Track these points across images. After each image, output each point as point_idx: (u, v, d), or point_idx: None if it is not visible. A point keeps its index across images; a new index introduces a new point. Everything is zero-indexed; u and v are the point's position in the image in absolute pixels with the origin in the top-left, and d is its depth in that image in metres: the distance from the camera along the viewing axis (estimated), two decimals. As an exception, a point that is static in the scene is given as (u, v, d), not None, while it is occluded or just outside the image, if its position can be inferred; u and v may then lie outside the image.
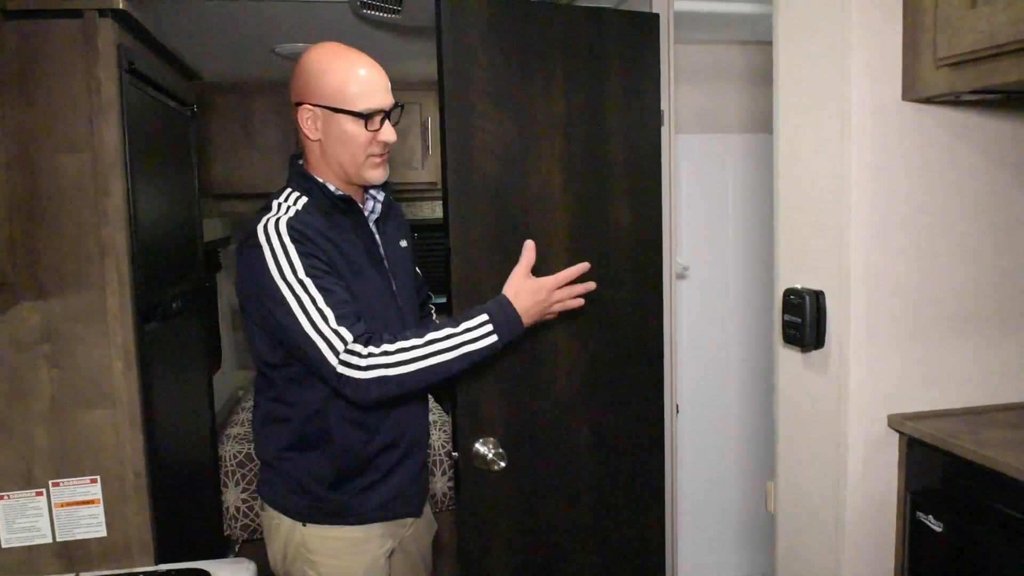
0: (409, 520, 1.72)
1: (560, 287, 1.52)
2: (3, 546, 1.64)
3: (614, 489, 2.02)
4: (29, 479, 1.63)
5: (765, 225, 2.76)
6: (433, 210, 4.30)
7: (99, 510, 1.66)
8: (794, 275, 1.54)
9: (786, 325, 1.52)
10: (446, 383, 1.63)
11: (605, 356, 1.97)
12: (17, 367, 1.60)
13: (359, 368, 1.39)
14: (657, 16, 2.04)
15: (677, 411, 2.27)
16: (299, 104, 1.53)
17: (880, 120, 1.36)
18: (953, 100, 1.35)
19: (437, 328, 1.44)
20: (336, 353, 1.40)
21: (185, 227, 2.19)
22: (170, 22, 2.48)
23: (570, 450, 1.94)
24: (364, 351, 1.40)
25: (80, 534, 1.66)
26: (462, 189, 1.74)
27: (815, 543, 1.54)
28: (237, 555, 2.80)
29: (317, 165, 1.57)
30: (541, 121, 1.84)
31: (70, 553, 1.67)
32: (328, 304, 1.41)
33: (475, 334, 1.44)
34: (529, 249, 1.53)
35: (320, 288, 1.42)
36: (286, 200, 1.54)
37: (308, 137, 1.55)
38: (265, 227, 1.46)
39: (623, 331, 2.00)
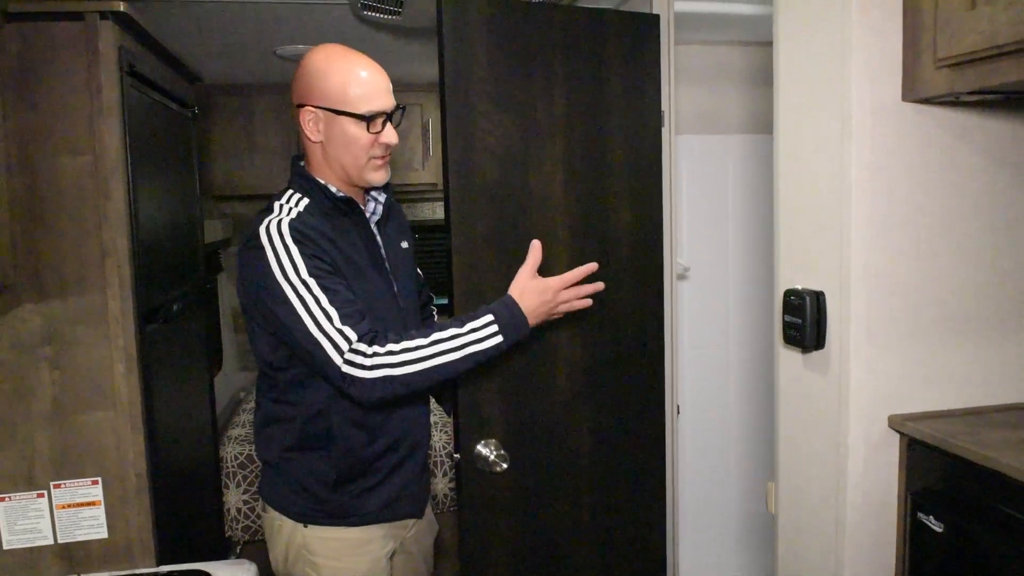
0: (411, 521, 1.72)
1: (567, 287, 1.51)
2: (4, 548, 1.64)
3: (615, 489, 2.02)
4: (30, 481, 1.63)
5: (765, 226, 2.76)
6: (434, 211, 4.30)
7: (100, 511, 1.66)
8: (794, 276, 1.54)
9: (786, 326, 1.52)
10: (449, 384, 1.63)
11: (606, 356, 1.97)
12: (18, 369, 1.61)
13: (364, 367, 1.39)
14: (657, 17, 2.04)
15: (678, 411, 2.27)
16: (301, 106, 1.53)
17: (880, 120, 1.36)
18: (953, 101, 1.36)
19: (442, 328, 1.44)
20: (341, 353, 1.40)
21: (186, 229, 2.19)
22: (171, 24, 2.49)
23: (571, 451, 1.94)
24: (369, 350, 1.39)
25: (81, 536, 1.67)
26: (463, 190, 1.74)
27: (816, 544, 1.54)
28: (238, 556, 2.80)
29: (319, 167, 1.57)
30: (542, 122, 1.84)
31: (71, 554, 1.67)
32: (332, 304, 1.41)
33: (481, 334, 1.44)
34: (535, 249, 1.52)
35: (324, 288, 1.42)
36: (287, 201, 1.54)
37: (310, 139, 1.55)
38: (267, 228, 1.46)
39: (624, 331, 2.00)
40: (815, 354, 1.49)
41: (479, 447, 1.77)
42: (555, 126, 1.85)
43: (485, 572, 1.87)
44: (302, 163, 1.60)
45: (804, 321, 1.46)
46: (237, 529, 2.89)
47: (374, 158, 1.55)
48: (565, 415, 1.92)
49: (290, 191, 1.57)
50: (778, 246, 1.59)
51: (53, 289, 1.60)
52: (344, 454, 1.57)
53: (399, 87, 1.59)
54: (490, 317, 1.45)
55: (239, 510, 2.90)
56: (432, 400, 1.92)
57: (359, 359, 1.39)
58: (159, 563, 1.71)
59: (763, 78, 2.72)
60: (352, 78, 1.50)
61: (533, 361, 1.86)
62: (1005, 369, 1.46)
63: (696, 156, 2.90)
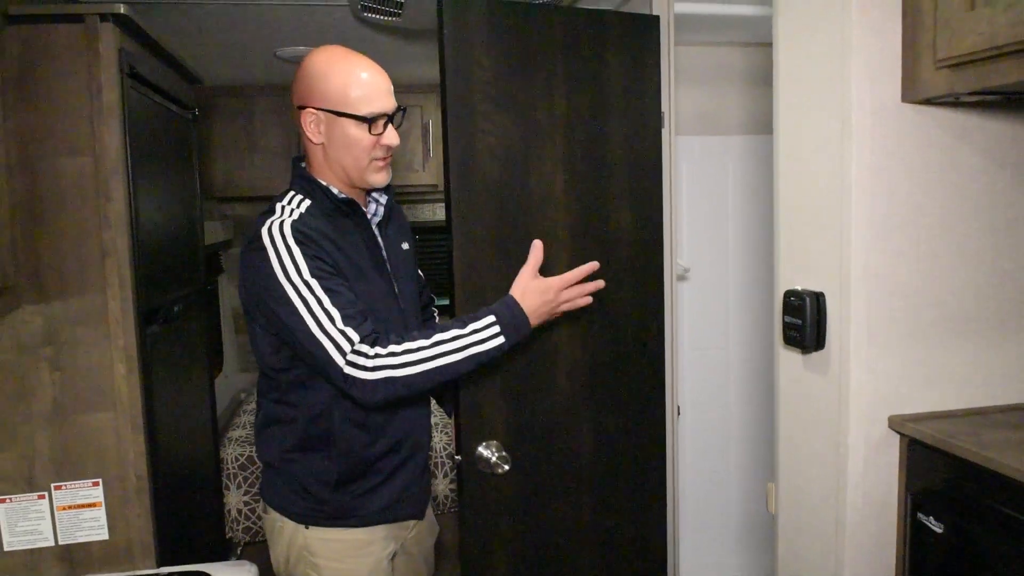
0: (412, 522, 1.72)
1: (568, 287, 1.52)
2: (5, 549, 1.64)
3: (616, 490, 2.02)
4: (31, 482, 1.64)
5: (766, 226, 2.76)
6: (434, 212, 4.30)
7: (101, 513, 1.67)
8: (794, 276, 1.54)
9: (786, 326, 1.52)
10: (449, 385, 1.63)
11: (606, 357, 1.97)
12: (19, 370, 1.61)
13: (366, 369, 1.39)
14: (657, 18, 2.04)
15: (678, 412, 2.27)
16: (302, 108, 1.54)
17: (880, 121, 1.36)
18: (953, 101, 1.36)
19: (444, 329, 1.44)
20: (343, 354, 1.40)
21: (186, 230, 2.19)
22: (171, 26, 2.49)
23: (572, 451, 1.94)
24: (371, 352, 1.40)
25: (82, 537, 1.67)
26: (464, 190, 1.74)
27: (816, 544, 1.54)
28: (239, 558, 2.80)
29: (320, 168, 1.57)
30: (543, 122, 1.84)
31: (72, 556, 1.67)
32: (334, 305, 1.41)
33: (482, 335, 1.44)
34: (537, 249, 1.53)
35: (326, 289, 1.42)
36: (289, 203, 1.54)
37: (311, 140, 1.55)
38: (269, 229, 1.46)
39: (624, 332, 2.00)
40: (815, 355, 1.49)
41: (480, 448, 1.77)
42: (556, 127, 1.86)
43: (486, 574, 1.87)
44: (303, 164, 1.61)
45: (804, 322, 1.46)
46: (238, 530, 2.89)
47: (375, 159, 1.55)
48: (566, 416, 1.92)
49: (292, 192, 1.57)
50: (778, 247, 1.60)
51: (53, 290, 1.60)
52: (345, 455, 1.57)
53: (399, 89, 1.59)
54: (492, 318, 1.45)
55: (240, 511, 2.90)
56: (433, 401, 1.92)
57: (361, 360, 1.39)
58: (160, 564, 1.71)
59: (763, 79, 2.73)
60: (353, 80, 1.50)
61: (534, 362, 1.86)
62: (1005, 369, 1.46)
63: (696, 157, 2.90)
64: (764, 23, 1.73)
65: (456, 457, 1.78)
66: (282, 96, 3.58)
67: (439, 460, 3.02)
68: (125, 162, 1.62)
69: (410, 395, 1.45)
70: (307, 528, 1.59)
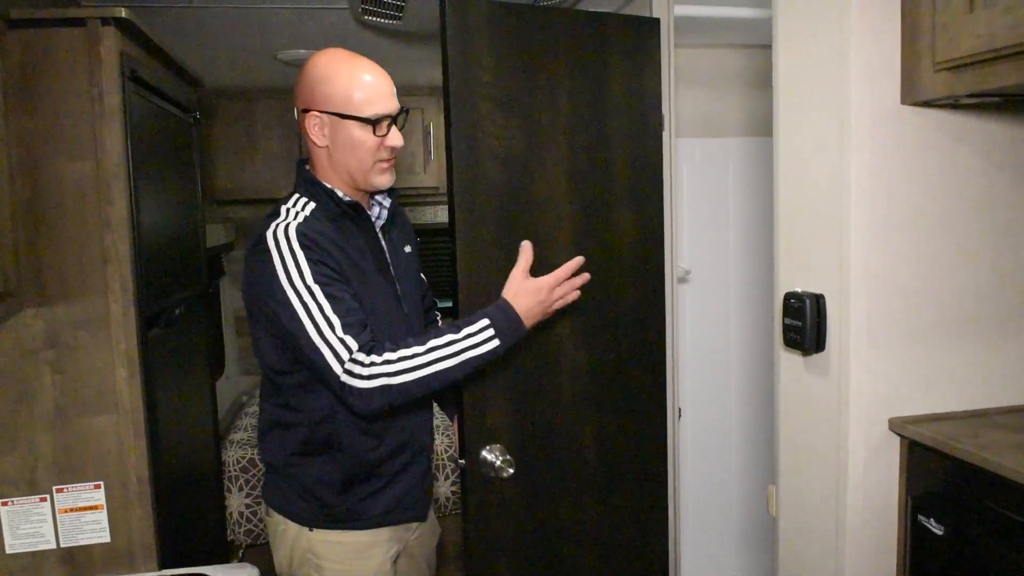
0: (414, 524, 1.72)
1: (559, 284, 1.53)
2: (7, 552, 1.64)
3: (617, 492, 2.02)
4: (33, 485, 1.64)
5: (766, 229, 2.76)
6: (435, 215, 4.31)
7: (103, 516, 1.67)
8: (794, 278, 1.54)
9: (787, 328, 1.52)
10: (451, 388, 1.64)
11: (608, 360, 1.97)
12: (21, 373, 1.61)
13: (362, 377, 1.39)
14: (658, 21, 2.04)
15: (679, 414, 2.27)
16: (306, 111, 1.54)
17: (879, 123, 1.36)
18: (952, 103, 1.36)
19: (438, 335, 1.45)
20: (341, 362, 1.40)
21: (188, 233, 2.20)
22: (172, 29, 2.49)
23: (575, 454, 1.94)
24: (367, 360, 1.40)
25: (84, 540, 1.67)
26: (467, 193, 1.74)
27: (816, 546, 1.54)
28: (241, 560, 2.80)
29: (324, 171, 1.57)
30: (545, 125, 1.84)
31: (74, 559, 1.67)
32: (335, 312, 1.42)
33: (477, 339, 1.44)
34: (527, 250, 1.54)
35: (328, 296, 1.42)
36: (294, 206, 1.54)
37: (315, 143, 1.55)
38: (274, 233, 1.46)
39: (626, 334, 2.00)
40: (815, 356, 1.49)
41: (484, 452, 1.76)
42: (558, 129, 1.86)
43: (488, 576, 1.87)
44: (307, 167, 1.61)
45: (804, 324, 1.47)
46: (239, 533, 2.90)
47: (380, 161, 1.55)
48: (568, 418, 1.92)
49: (296, 195, 1.57)
50: (778, 249, 1.60)
51: (55, 294, 1.61)
52: (350, 459, 1.57)
53: (400, 91, 1.59)
54: (486, 321, 1.46)
55: (241, 514, 2.90)
56: (435, 404, 1.92)
57: (357, 368, 1.40)
58: (161, 567, 1.71)
59: (763, 81, 2.73)
60: (356, 82, 1.51)
61: (537, 365, 1.86)
62: (1005, 371, 1.46)
63: (696, 159, 2.90)
64: (764, 25, 1.73)
65: (460, 461, 1.78)
66: (283, 99, 3.59)
67: (441, 462, 3.02)
68: (126, 165, 1.63)
69: (407, 402, 1.45)
70: (311, 530, 1.59)
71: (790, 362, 1.58)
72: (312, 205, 1.54)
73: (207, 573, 1.65)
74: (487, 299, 1.63)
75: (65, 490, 1.65)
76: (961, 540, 1.27)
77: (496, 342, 1.45)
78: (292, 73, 1.60)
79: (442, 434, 3.04)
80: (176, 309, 1.97)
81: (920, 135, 1.38)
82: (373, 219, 1.62)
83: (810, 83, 1.46)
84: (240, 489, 2.91)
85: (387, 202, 1.67)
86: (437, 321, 1.96)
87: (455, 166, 1.70)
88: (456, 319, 1.56)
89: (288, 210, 1.53)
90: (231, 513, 2.88)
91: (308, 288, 1.42)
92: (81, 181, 1.60)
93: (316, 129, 1.53)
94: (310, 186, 1.57)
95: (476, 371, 1.48)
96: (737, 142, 2.94)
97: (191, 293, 2.17)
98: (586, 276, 1.57)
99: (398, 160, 1.61)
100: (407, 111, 1.59)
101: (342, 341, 1.40)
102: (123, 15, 1.60)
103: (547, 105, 1.84)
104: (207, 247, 2.45)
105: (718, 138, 2.93)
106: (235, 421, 3.38)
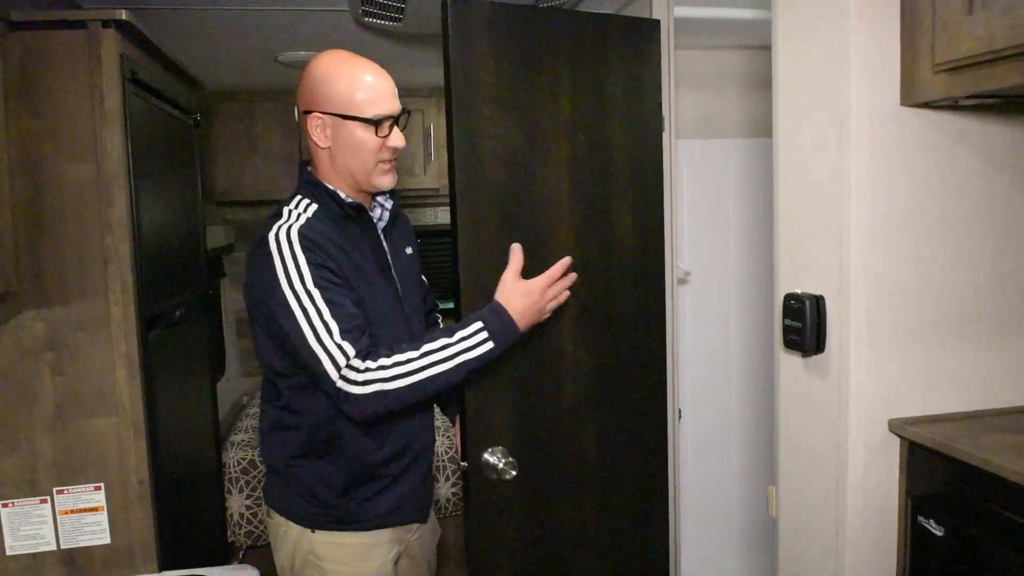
0: (415, 525, 1.73)
1: (551, 284, 1.53)
2: (8, 553, 1.65)
3: (618, 493, 2.02)
4: (33, 486, 1.64)
5: (766, 230, 2.75)
6: (436, 216, 4.31)
7: (103, 517, 1.67)
8: (794, 279, 1.54)
9: (786, 330, 1.52)
10: (451, 392, 1.64)
11: (608, 361, 1.97)
12: (21, 375, 1.61)
13: (357, 383, 1.40)
14: (658, 22, 2.05)
15: (679, 415, 2.27)
16: (307, 112, 1.54)
17: (879, 124, 1.36)
18: (951, 105, 1.36)
19: (432, 339, 1.45)
20: (338, 368, 1.40)
21: (188, 235, 2.20)
22: (173, 31, 2.50)
23: (576, 456, 1.94)
24: (362, 366, 1.40)
25: (84, 541, 1.67)
26: (469, 194, 1.74)
27: (816, 547, 1.54)
28: (241, 562, 2.80)
29: (327, 172, 1.58)
30: (546, 126, 1.84)
31: (74, 560, 1.68)
32: (334, 317, 1.42)
33: (470, 342, 1.44)
34: (516, 252, 1.55)
35: (327, 300, 1.42)
36: (296, 207, 1.55)
37: (317, 145, 1.55)
38: (277, 235, 1.46)
39: (626, 335, 2.00)
40: (815, 358, 1.49)
41: (486, 455, 1.76)
42: (559, 130, 1.86)
43: (491, 579, 1.87)
44: (310, 169, 1.61)
45: (804, 325, 1.47)
46: (240, 534, 2.90)
47: (382, 162, 1.56)
48: (569, 420, 1.92)
49: (299, 196, 1.57)
50: (778, 250, 1.60)
51: (56, 295, 1.61)
52: (353, 460, 1.57)
53: (400, 93, 1.60)
54: (479, 324, 1.46)
55: (242, 515, 2.90)
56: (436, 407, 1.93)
57: (353, 375, 1.40)
58: (161, 568, 1.71)
59: (762, 82, 2.72)
60: (358, 83, 1.51)
61: (538, 367, 1.86)
62: (1006, 371, 1.46)
63: (696, 160, 2.90)
64: (763, 27, 1.73)
65: (462, 464, 1.77)
66: (283, 100, 3.59)
67: (441, 464, 3.02)
68: (127, 167, 1.63)
69: (402, 407, 1.45)
70: (313, 532, 1.59)
71: (790, 363, 1.58)
72: (314, 206, 1.54)
73: (207, 574, 1.65)
74: (489, 299, 1.63)
75: (65, 491, 1.65)
76: (961, 541, 1.27)
77: (490, 344, 1.45)
78: (292, 75, 1.60)
79: (442, 435, 3.04)
80: (176, 310, 1.98)
81: (920, 136, 1.38)
82: (375, 220, 1.63)
83: (809, 84, 1.47)
84: (240, 491, 2.91)
85: (389, 203, 1.67)
86: (438, 323, 1.96)
87: (457, 166, 1.70)
88: (458, 320, 1.56)
89: (290, 211, 1.53)
90: (231, 514, 2.88)
91: (308, 292, 1.42)
92: (81, 182, 1.60)
93: (318, 130, 1.54)
94: (312, 187, 1.57)
95: (472, 374, 1.48)
96: (737, 143, 2.94)
97: (191, 294, 2.17)
98: (573, 276, 1.57)
99: (398, 161, 1.62)
100: (409, 112, 1.59)
101: (339, 347, 1.40)
102: (124, 17, 1.60)
103: (548, 106, 1.84)
104: (207, 248, 2.46)
105: (718, 139, 2.93)
106: (236, 423, 3.39)
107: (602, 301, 1.91)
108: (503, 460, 1.74)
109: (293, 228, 1.47)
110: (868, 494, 1.43)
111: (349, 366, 1.40)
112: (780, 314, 1.55)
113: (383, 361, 1.41)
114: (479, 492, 1.78)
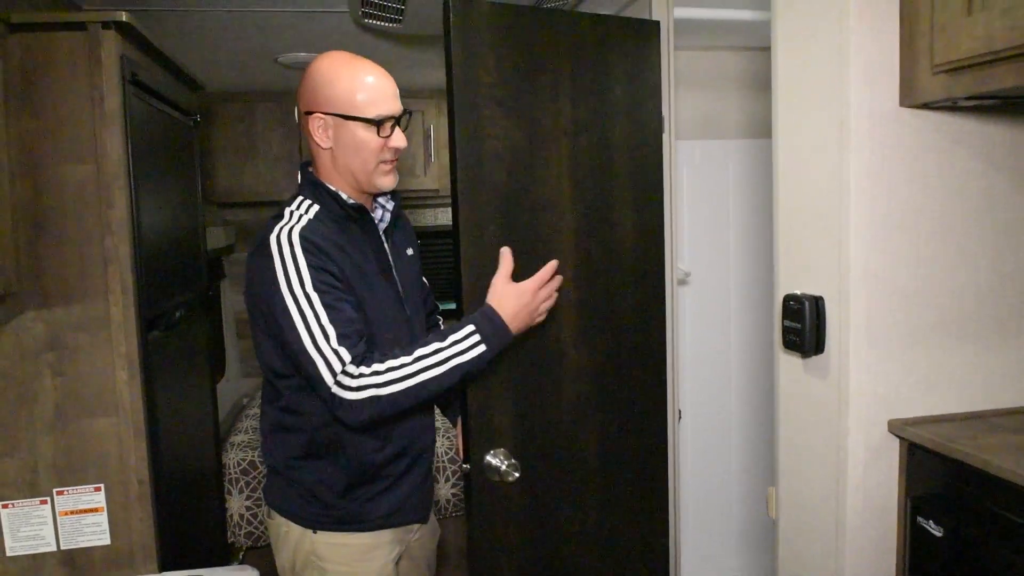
0: (416, 526, 1.73)
1: (542, 286, 1.54)
2: (8, 555, 1.65)
3: (619, 493, 2.02)
4: (33, 487, 1.64)
5: (765, 230, 2.76)
6: (436, 217, 4.31)
7: (103, 518, 1.67)
8: (794, 280, 1.54)
9: (786, 331, 1.52)
10: (452, 393, 1.63)
11: (608, 361, 1.97)
12: (22, 376, 1.61)
13: (351, 389, 1.40)
14: (658, 23, 2.05)
15: (679, 416, 2.27)
16: (309, 113, 1.54)
17: (878, 125, 1.36)
18: (950, 105, 1.36)
19: (425, 343, 1.45)
20: (333, 374, 1.40)
21: (189, 236, 2.20)
22: (173, 33, 2.50)
23: (576, 456, 1.94)
24: (356, 371, 1.40)
25: (84, 542, 1.67)
26: (471, 195, 1.74)
27: (816, 547, 1.54)
28: (241, 562, 2.80)
29: (328, 173, 1.58)
30: (548, 127, 1.84)
31: (74, 561, 1.68)
32: (331, 322, 1.42)
33: (463, 346, 1.45)
34: (507, 256, 1.56)
35: (326, 305, 1.43)
36: (298, 208, 1.55)
37: (319, 146, 1.55)
38: (278, 236, 1.46)
39: (626, 336, 2.00)
40: (815, 359, 1.50)
41: (488, 457, 1.76)
42: (560, 131, 1.86)
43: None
44: (311, 170, 1.61)
45: (803, 326, 1.47)
46: (240, 535, 2.90)
47: (383, 162, 1.56)
48: (570, 420, 1.92)
49: (301, 197, 1.57)
50: (777, 251, 1.60)
51: (56, 296, 1.61)
52: (353, 461, 1.57)
53: (400, 94, 1.60)
54: (471, 327, 1.46)
55: (242, 516, 2.90)
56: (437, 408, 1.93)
57: (347, 380, 1.40)
58: (161, 569, 1.71)
59: (762, 83, 2.73)
60: (359, 84, 1.51)
61: (538, 368, 1.86)
62: (1005, 372, 1.46)
63: (696, 161, 2.91)
64: (763, 28, 1.73)
65: (464, 466, 1.77)
66: (283, 102, 3.59)
67: (441, 465, 3.02)
68: (127, 168, 1.63)
69: (396, 413, 1.45)
70: (315, 532, 1.59)
71: (790, 364, 1.58)
72: (316, 207, 1.54)
73: (207, 575, 1.65)
74: (491, 300, 1.64)
75: (65, 492, 1.65)
76: (960, 542, 1.27)
77: (483, 347, 1.45)
78: (292, 76, 1.61)
79: (443, 436, 3.04)
80: (177, 311, 1.98)
81: (919, 137, 1.38)
82: (376, 221, 1.63)
83: (809, 85, 1.47)
84: (241, 491, 2.91)
85: (390, 204, 1.67)
86: (439, 324, 1.96)
87: (458, 167, 1.71)
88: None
89: (292, 212, 1.53)
90: (231, 515, 2.88)
91: (307, 295, 1.42)
92: (82, 184, 1.60)
93: (320, 131, 1.54)
94: (314, 188, 1.57)
95: (467, 377, 1.49)
96: (737, 144, 2.94)
97: (192, 295, 2.17)
98: (560, 278, 1.58)
99: (398, 163, 1.62)
100: (411, 113, 1.60)
101: (336, 352, 1.40)
102: (124, 19, 1.60)
103: (549, 106, 1.84)
104: (207, 250, 2.46)
105: (718, 140, 2.93)
106: (236, 423, 3.39)
107: (602, 302, 1.91)
108: (506, 462, 1.74)
109: (295, 230, 1.47)
110: (868, 495, 1.43)
111: (344, 371, 1.40)
112: (780, 315, 1.56)
113: (377, 367, 1.41)
114: (481, 494, 1.78)
